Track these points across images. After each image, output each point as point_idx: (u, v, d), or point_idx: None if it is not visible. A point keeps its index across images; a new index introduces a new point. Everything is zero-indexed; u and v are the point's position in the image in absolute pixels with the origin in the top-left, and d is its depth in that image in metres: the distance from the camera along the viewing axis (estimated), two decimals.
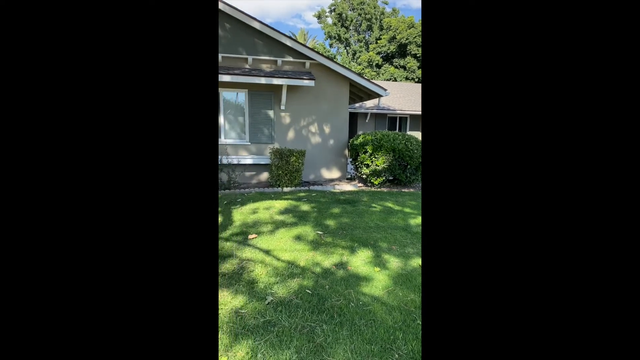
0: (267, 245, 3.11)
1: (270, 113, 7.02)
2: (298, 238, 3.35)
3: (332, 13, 29.06)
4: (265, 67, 6.95)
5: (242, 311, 2.00)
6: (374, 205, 4.92)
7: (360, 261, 2.82)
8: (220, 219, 4.00)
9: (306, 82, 6.60)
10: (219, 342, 1.70)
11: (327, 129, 7.41)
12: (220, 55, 6.57)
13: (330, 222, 3.91)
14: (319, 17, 29.77)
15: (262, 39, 6.75)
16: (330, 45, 29.42)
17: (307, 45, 9.13)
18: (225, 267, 2.63)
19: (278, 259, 2.81)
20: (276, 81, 6.47)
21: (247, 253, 2.93)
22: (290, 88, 6.94)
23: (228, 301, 2.11)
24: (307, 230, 3.59)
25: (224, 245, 3.09)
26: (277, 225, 3.74)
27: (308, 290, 2.28)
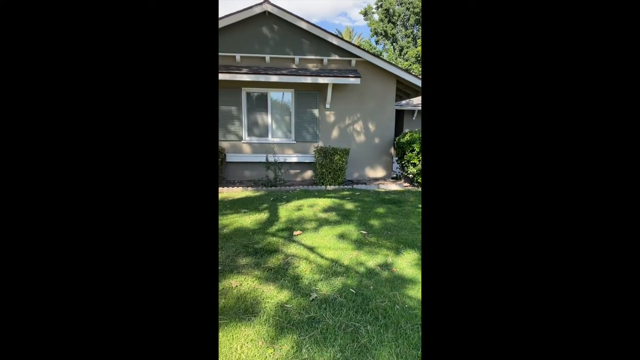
0: (312, 242, 3.15)
1: (315, 112, 7.09)
2: (342, 236, 3.34)
3: (379, 9, 28.49)
4: (312, 66, 7.03)
5: (288, 306, 2.04)
6: (420, 206, 4.75)
7: (405, 263, 2.74)
8: (267, 214, 4.13)
9: (352, 80, 6.56)
10: (266, 334, 1.76)
11: (372, 127, 7.31)
12: (268, 57, 6.78)
13: (375, 222, 3.85)
14: (365, 14, 29.37)
15: (308, 38, 6.84)
16: (377, 42, 28.88)
17: (352, 42, 9.04)
18: (272, 261, 2.71)
19: (322, 257, 2.83)
20: (322, 80, 6.51)
21: (292, 249, 2.99)
22: (335, 86, 6.94)
23: (274, 295, 2.17)
24: (351, 229, 3.57)
25: (271, 240, 3.19)
26: (321, 223, 3.77)
27: (352, 290, 2.26)
